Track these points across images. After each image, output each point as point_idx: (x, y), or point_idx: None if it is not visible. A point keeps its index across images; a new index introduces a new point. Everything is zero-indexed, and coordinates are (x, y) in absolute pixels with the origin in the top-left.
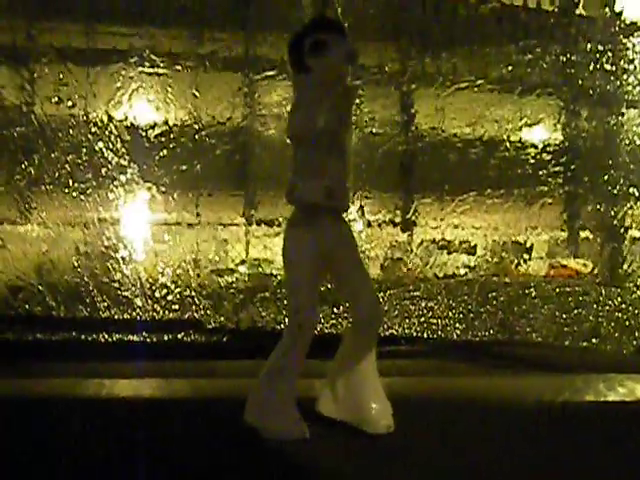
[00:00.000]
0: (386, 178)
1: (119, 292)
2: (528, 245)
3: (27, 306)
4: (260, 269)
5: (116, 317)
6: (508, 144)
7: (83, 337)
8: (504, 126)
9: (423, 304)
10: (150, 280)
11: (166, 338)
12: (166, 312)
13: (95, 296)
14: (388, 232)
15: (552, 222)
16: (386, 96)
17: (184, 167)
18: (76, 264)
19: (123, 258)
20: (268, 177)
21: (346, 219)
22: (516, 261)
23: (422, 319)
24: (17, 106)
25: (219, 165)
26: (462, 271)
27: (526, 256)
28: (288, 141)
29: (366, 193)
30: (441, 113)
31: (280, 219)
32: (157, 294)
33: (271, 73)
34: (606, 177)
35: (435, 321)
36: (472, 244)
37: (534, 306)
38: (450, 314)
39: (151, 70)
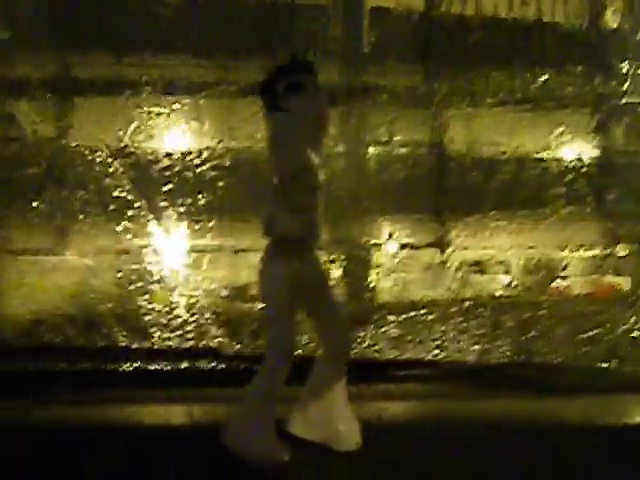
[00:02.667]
0: (418, 200)
1: (165, 319)
2: (565, 263)
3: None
4: None
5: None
6: (542, 162)
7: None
8: (538, 143)
9: (436, 327)
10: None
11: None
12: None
13: (125, 325)
14: (421, 254)
15: (590, 239)
16: (416, 117)
17: (219, 193)
18: (117, 291)
19: (160, 284)
20: None
21: (377, 242)
22: (553, 280)
23: (437, 342)
24: (52, 138)
25: (251, 191)
26: (498, 292)
27: (563, 274)
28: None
29: (397, 216)
30: (473, 132)
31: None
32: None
33: None
34: None
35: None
36: (507, 264)
37: (550, 327)
38: (465, 336)
39: (179, 99)
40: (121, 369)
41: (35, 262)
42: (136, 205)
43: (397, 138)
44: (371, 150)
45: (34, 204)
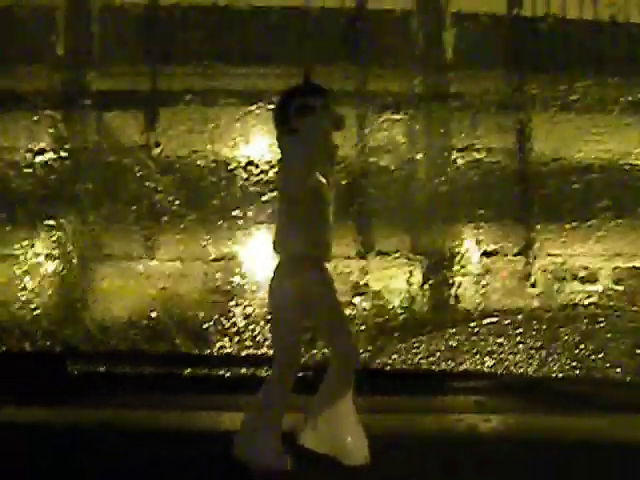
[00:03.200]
0: (502, 207)
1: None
2: None
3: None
4: (380, 301)
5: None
6: (630, 168)
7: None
8: (626, 150)
9: (491, 340)
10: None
11: None
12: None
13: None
14: (506, 262)
15: None
16: (500, 122)
17: None
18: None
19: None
20: (384, 210)
21: (460, 250)
22: None
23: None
24: (141, 147)
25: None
26: (586, 300)
27: None
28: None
29: (481, 223)
30: (559, 138)
31: (396, 251)
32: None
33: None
34: None
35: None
36: (595, 272)
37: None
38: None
39: (261, 107)
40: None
41: (125, 267)
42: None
43: (481, 144)
44: (455, 157)
45: (127, 210)
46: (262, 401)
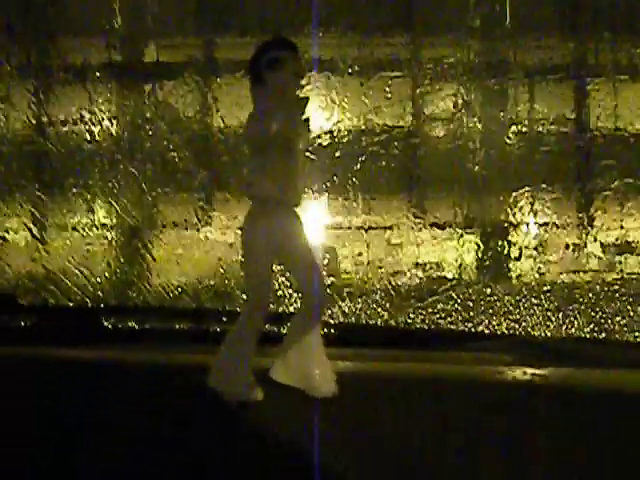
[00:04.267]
0: (559, 178)
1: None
2: None
3: None
4: (431, 272)
5: None
6: None
7: None
8: None
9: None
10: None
11: None
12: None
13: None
14: (563, 234)
15: None
16: (557, 92)
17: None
18: None
19: None
20: (436, 180)
21: (517, 222)
22: None
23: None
24: (195, 118)
25: (389, 168)
26: None
27: None
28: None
29: (537, 194)
30: (618, 108)
31: (450, 221)
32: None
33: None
34: None
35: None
36: None
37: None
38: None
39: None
40: None
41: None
42: None
43: (538, 114)
44: (511, 126)
45: (185, 182)
46: (235, 335)
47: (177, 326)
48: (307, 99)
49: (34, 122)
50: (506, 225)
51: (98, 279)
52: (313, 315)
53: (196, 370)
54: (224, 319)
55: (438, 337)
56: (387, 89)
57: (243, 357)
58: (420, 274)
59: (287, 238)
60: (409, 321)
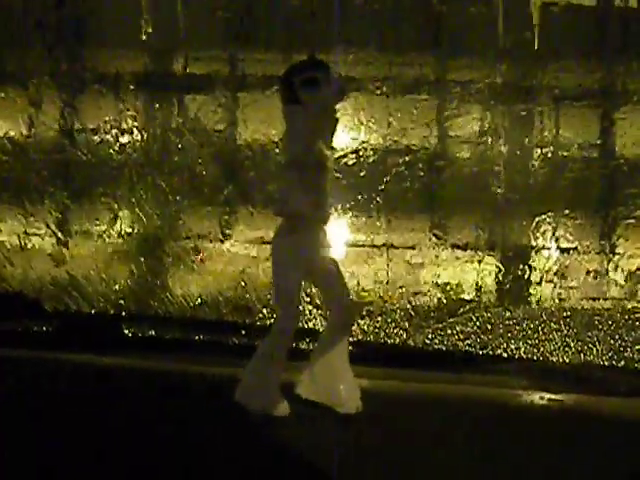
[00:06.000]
0: (584, 203)
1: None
2: None
3: None
4: (451, 293)
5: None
6: None
7: None
8: None
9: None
10: None
11: None
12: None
13: None
14: (586, 260)
15: None
16: (583, 118)
17: (380, 188)
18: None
19: None
20: (459, 201)
21: (538, 246)
22: None
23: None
24: (220, 130)
25: (413, 189)
26: None
27: None
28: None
29: (560, 219)
30: None
31: (472, 244)
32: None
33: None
34: None
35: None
36: None
37: None
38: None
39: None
40: None
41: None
42: None
43: (564, 139)
44: (537, 151)
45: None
46: (264, 350)
47: (197, 337)
48: (337, 119)
49: (65, 131)
50: (528, 249)
51: (120, 287)
52: (341, 331)
53: (217, 381)
54: (243, 332)
55: (456, 358)
56: (414, 111)
57: (273, 372)
58: (440, 294)
59: (316, 254)
60: (427, 341)
